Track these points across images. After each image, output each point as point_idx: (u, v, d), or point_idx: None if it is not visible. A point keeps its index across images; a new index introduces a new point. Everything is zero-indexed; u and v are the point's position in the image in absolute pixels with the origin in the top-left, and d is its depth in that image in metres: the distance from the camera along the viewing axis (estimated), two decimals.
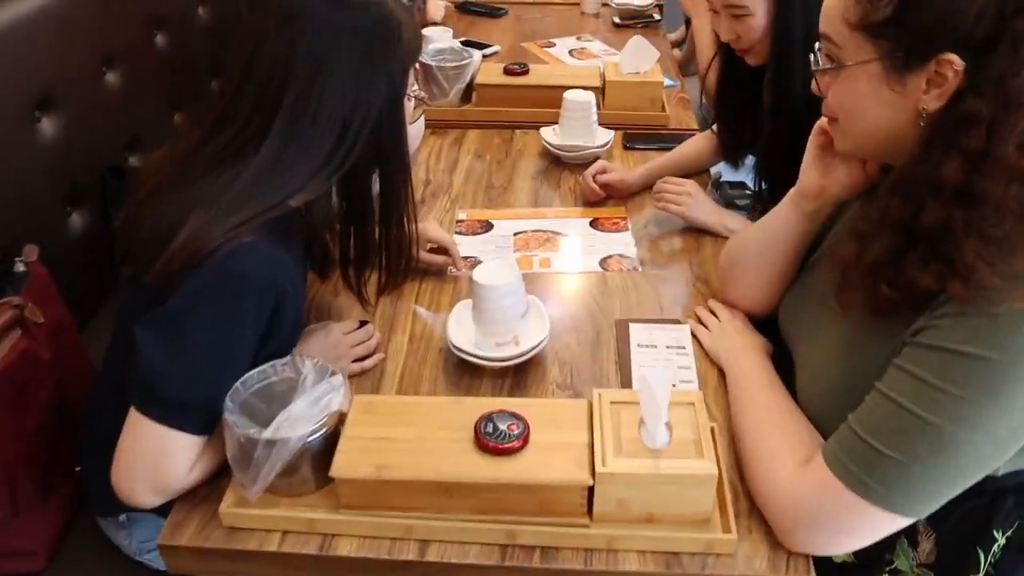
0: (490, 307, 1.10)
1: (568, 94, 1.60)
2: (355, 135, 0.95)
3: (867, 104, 0.83)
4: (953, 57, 0.76)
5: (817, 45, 0.88)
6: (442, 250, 1.34)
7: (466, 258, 1.39)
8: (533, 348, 1.11)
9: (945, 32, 0.76)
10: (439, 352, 1.17)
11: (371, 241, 1.08)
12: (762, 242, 1.13)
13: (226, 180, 0.93)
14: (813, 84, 0.91)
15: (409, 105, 1.04)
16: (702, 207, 1.41)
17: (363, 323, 1.19)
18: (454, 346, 1.12)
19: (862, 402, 0.83)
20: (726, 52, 1.39)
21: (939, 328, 0.77)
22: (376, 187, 1.04)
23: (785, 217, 1.08)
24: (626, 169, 1.57)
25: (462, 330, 1.14)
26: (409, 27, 0.99)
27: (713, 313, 1.21)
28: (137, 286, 0.94)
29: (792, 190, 1.08)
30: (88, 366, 1.25)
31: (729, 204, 1.56)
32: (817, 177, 1.01)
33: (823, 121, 0.97)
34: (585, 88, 1.67)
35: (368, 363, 1.14)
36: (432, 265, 1.33)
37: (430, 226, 1.34)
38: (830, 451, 0.83)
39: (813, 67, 0.88)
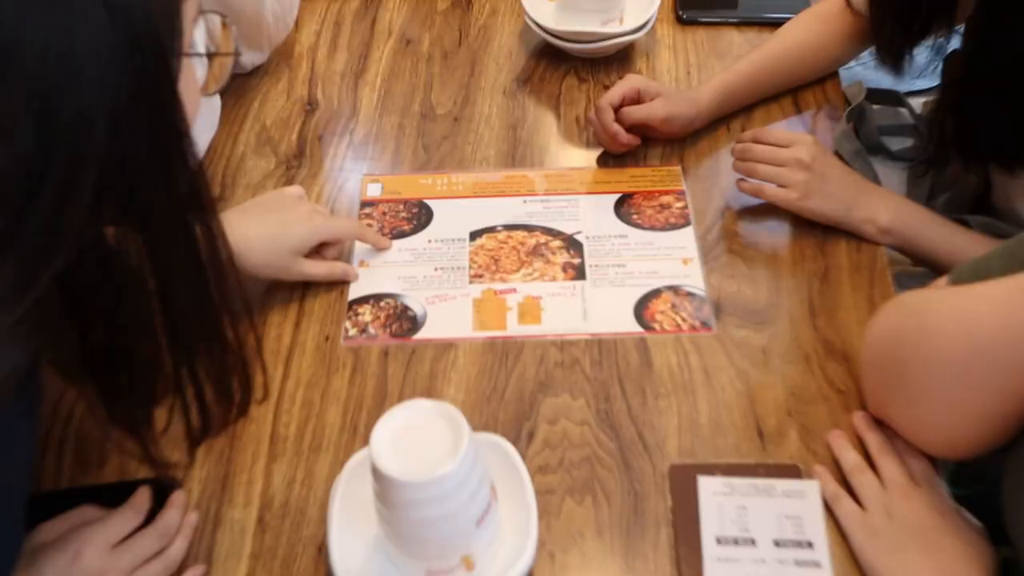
0: (411, 517, 0.59)
1: None
2: (64, 185, 0.46)
3: None
4: None
5: None
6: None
7: (376, 299, 0.80)
8: None
9: None
10: (315, 556, 0.66)
11: (148, 364, 0.59)
12: (974, 344, 0.61)
13: None
14: None
15: (195, 73, 0.55)
16: (828, 186, 0.81)
17: (166, 487, 0.69)
18: None
19: None
20: None
21: None
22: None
23: None
24: (678, 91, 0.92)
25: (358, 531, 0.64)
26: None
27: (866, 455, 0.69)
28: None
29: None
30: None
31: (875, 148, 0.94)
32: None
33: None
34: None
35: None
36: (315, 278, 0.83)
37: (330, 222, 0.86)
38: None
39: None
